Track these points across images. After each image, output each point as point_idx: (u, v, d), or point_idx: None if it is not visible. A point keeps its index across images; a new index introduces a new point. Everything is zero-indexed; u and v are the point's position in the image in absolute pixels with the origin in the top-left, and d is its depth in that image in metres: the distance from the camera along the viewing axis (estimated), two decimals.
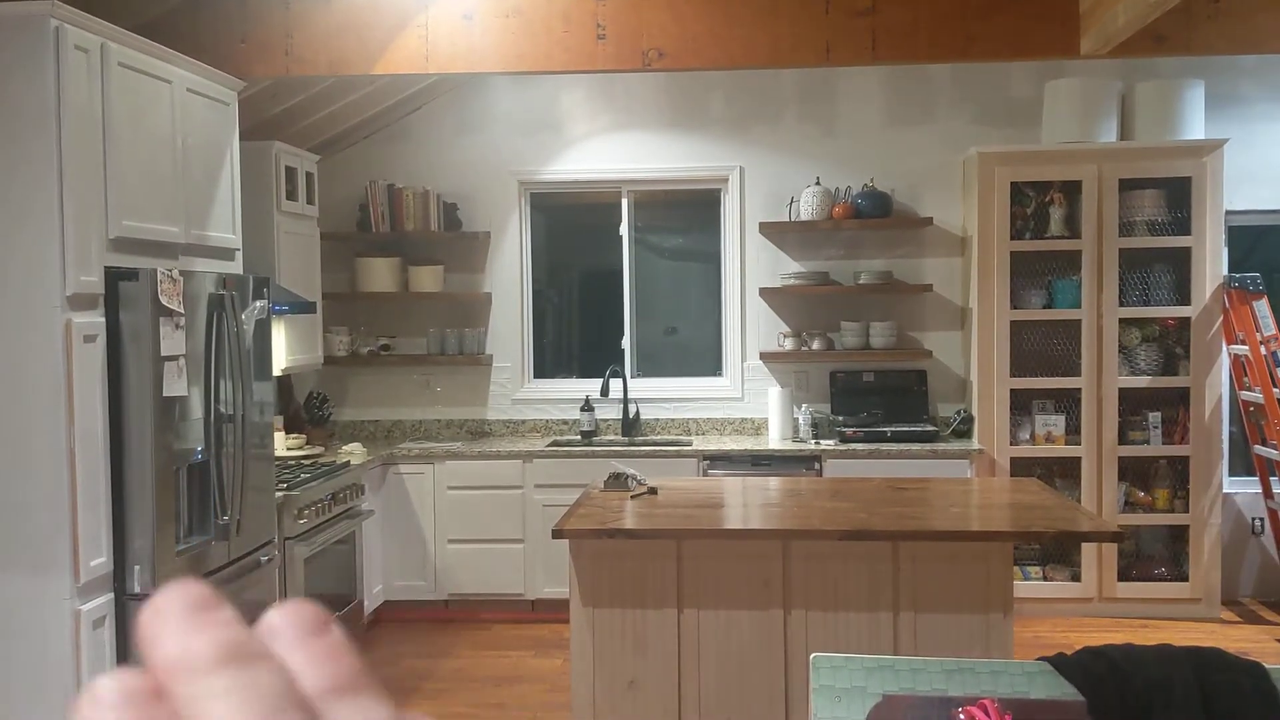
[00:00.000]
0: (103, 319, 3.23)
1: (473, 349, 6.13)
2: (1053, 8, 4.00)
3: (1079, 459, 5.54)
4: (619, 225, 6.25)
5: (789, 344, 5.96)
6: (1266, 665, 1.84)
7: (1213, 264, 5.46)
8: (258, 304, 3.91)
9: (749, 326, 6.11)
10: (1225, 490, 5.74)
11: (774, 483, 4.37)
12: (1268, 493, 5.70)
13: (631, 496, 3.95)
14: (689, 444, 5.74)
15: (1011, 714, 1.64)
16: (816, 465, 5.48)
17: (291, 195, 5.28)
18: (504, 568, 5.62)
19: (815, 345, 5.91)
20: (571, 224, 6.58)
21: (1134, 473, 5.65)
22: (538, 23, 4.13)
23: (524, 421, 6.22)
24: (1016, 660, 1.88)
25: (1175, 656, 1.83)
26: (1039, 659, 1.87)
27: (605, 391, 5.98)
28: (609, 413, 6.15)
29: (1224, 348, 5.59)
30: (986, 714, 1.62)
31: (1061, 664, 1.86)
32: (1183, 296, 5.53)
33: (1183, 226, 5.50)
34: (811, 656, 1.82)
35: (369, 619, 5.49)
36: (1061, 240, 5.55)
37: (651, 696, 3.57)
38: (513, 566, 5.62)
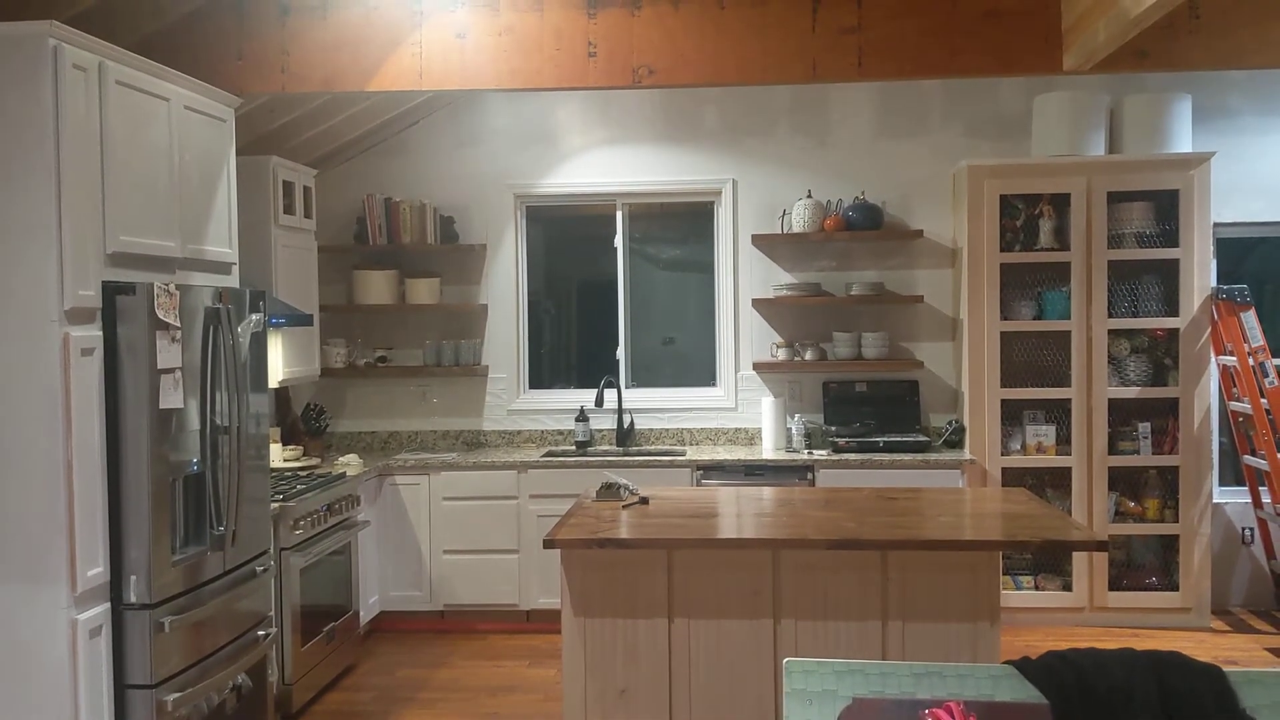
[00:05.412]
0: (100, 333, 3.28)
1: (469, 360, 6.18)
2: (1036, 25, 4.06)
3: (1069, 469, 5.59)
4: (614, 237, 6.30)
5: (782, 354, 6.01)
6: (1224, 668, 1.89)
7: (1201, 276, 5.51)
8: (254, 317, 3.96)
9: (742, 337, 6.16)
10: (1215, 500, 5.79)
11: (766, 492, 4.40)
12: (1257, 502, 5.75)
13: (623, 506, 4.00)
14: (683, 454, 5.79)
15: (976, 715, 1.69)
16: (809, 475, 5.52)
17: (289, 209, 5.34)
18: (499, 578, 5.66)
19: (808, 355, 5.96)
20: (567, 236, 6.64)
21: (1124, 483, 5.70)
22: (530, 40, 4.20)
23: (519, 432, 6.27)
24: (983, 664, 1.93)
25: (1137, 661, 1.88)
26: (1005, 662, 1.92)
27: (600, 402, 6.04)
28: (604, 423, 6.20)
29: (1212, 358, 5.64)
30: (952, 716, 1.67)
31: (1026, 668, 1.90)
32: (1171, 308, 5.58)
33: (1171, 238, 5.55)
34: (784, 661, 1.87)
35: (365, 629, 5.53)
36: (1051, 252, 5.60)
37: (642, 705, 3.61)
38: (508, 577, 5.66)
